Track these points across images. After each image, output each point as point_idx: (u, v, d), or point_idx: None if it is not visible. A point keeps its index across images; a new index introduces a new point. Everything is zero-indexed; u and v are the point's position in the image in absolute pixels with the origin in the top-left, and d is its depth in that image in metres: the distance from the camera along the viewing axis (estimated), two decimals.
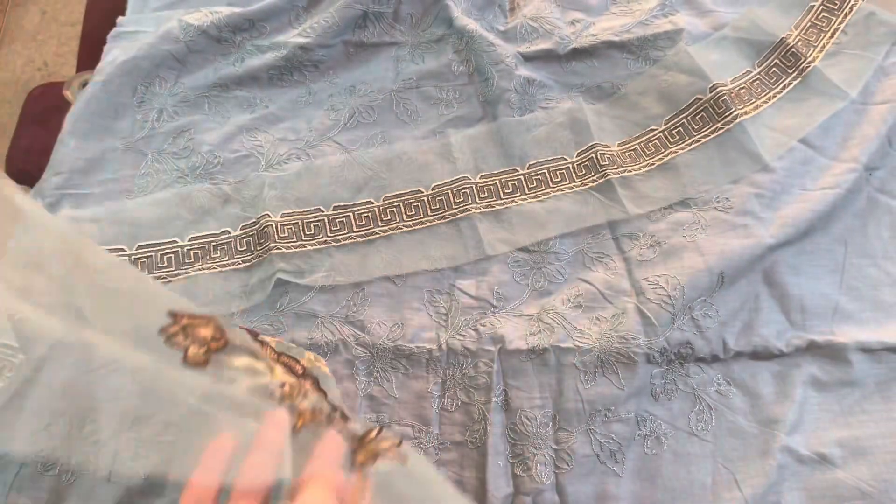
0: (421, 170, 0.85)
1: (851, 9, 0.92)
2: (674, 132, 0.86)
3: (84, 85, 0.92)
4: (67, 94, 0.98)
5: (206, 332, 0.44)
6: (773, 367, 0.75)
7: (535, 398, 0.72)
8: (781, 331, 0.76)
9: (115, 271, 0.47)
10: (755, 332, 0.75)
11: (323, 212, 0.81)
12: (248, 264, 0.77)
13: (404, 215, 0.81)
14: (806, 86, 0.88)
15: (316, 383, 0.60)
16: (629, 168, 0.84)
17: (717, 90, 0.86)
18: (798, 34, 0.91)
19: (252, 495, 0.38)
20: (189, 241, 0.80)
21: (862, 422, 0.72)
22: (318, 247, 0.79)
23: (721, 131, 0.85)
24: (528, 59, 0.94)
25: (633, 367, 0.72)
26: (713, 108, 0.86)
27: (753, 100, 0.87)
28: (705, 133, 0.85)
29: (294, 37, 0.94)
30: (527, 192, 0.84)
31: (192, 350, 0.43)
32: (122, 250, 0.78)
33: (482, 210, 0.82)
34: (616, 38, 0.93)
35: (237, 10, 0.94)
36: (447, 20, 0.95)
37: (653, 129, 0.87)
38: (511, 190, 0.84)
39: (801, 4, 0.94)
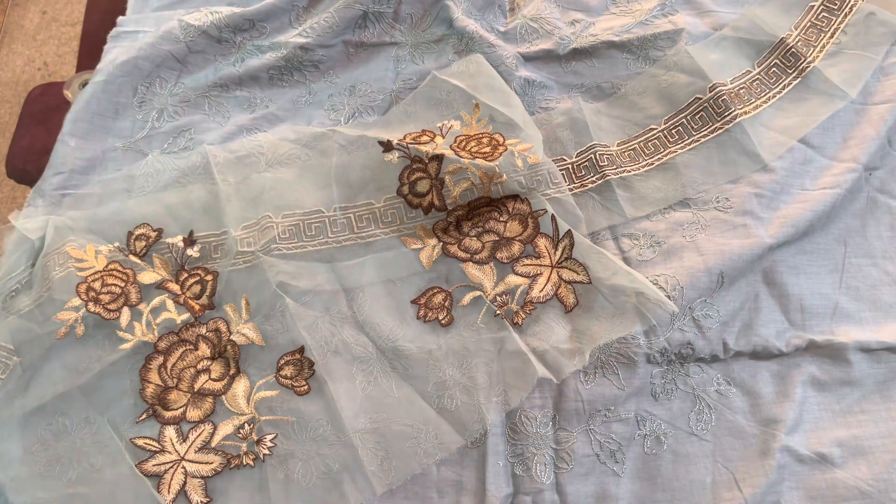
0: None
1: (851, 9, 0.92)
2: (673, 132, 0.86)
3: (84, 85, 0.92)
4: (67, 94, 0.98)
5: None
6: (772, 366, 0.75)
7: (535, 398, 0.72)
8: (781, 330, 0.76)
9: None
10: (755, 332, 0.75)
11: (324, 213, 0.80)
12: (248, 265, 0.77)
13: (405, 217, 0.81)
14: (806, 86, 0.88)
15: None
16: (628, 168, 0.84)
17: (717, 90, 0.86)
18: (798, 34, 0.91)
19: None
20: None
21: (861, 422, 0.72)
22: (319, 248, 0.79)
23: (720, 131, 0.85)
24: (528, 59, 0.94)
25: (633, 367, 0.72)
26: (713, 108, 0.86)
27: (753, 100, 0.87)
28: (705, 133, 0.85)
29: (294, 37, 0.94)
30: None
31: None
32: (122, 249, 0.78)
33: None
34: (616, 38, 0.93)
35: (237, 10, 0.94)
36: (447, 20, 0.95)
37: (652, 129, 0.87)
38: None
39: (801, 4, 0.94)
